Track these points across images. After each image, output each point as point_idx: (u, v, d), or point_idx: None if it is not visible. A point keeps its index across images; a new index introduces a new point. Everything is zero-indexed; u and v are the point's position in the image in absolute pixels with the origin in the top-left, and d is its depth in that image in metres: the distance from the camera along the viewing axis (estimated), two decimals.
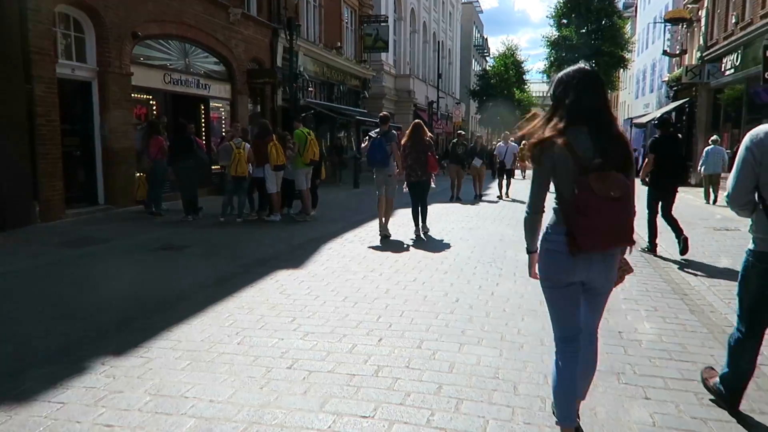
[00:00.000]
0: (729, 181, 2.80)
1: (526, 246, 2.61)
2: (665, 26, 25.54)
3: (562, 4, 35.46)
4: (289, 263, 6.74)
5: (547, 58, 36.91)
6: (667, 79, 25.27)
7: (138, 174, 10.73)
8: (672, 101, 24.25)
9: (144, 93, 11.93)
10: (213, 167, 11.89)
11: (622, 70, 36.43)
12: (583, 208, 2.29)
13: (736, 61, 17.08)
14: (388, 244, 8.16)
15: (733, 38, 17.44)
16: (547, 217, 2.52)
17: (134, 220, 10.03)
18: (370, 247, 7.83)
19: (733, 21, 17.47)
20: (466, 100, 51.62)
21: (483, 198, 14.90)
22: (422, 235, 8.68)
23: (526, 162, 13.82)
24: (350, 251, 7.53)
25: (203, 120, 13.99)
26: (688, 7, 22.58)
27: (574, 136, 2.33)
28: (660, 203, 7.36)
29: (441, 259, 7.01)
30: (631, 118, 36.19)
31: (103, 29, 10.36)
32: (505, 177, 15.57)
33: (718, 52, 18.83)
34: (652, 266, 6.71)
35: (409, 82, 34.79)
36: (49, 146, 9.21)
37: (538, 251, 2.53)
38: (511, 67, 47.92)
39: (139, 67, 11.47)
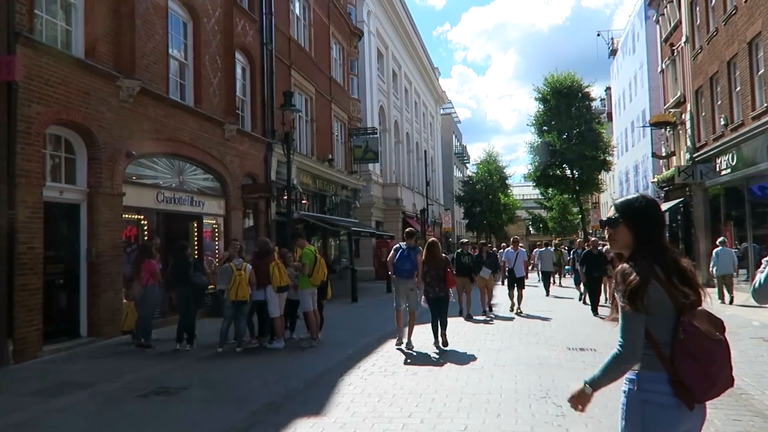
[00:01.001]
0: (759, 275, 2.63)
1: (593, 380, 2.27)
2: (650, 129, 26.22)
3: (542, 112, 36.73)
4: (308, 408, 5.71)
5: (531, 163, 37.65)
6: (656, 180, 25.52)
7: (125, 302, 9.75)
8: (664, 201, 24.29)
9: (135, 213, 11.24)
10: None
11: (605, 172, 37.11)
12: (697, 353, 2.06)
13: (732, 161, 17.16)
14: (415, 372, 7.17)
15: (724, 140, 17.64)
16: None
17: (121, 354, 8.92)
18: (395, 380, 6.82)
19: (722, 123, 17.77)
20: (451, 206, 52.17)
21: (493, 311, 13.59)
22: (442, 346, 9.02)
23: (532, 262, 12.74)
24: (375, 387, 6.51)
25: (196, 238, 13.25)
26: (670, 111, 23.24)
27: (661, 273, 2.20)
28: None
29: (485, 396, 6.02)
30: None
31: (95, 149, 9.84)
32: (516, 287, 13.95)
33: (710, 153, 19.02)
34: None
35: (397, 190, 34.99)
36: (30, 276, 8.29)
37: (625, 403, 2.22)
38: (494, 172, 48.91)
39: (130, 186, 10.87)
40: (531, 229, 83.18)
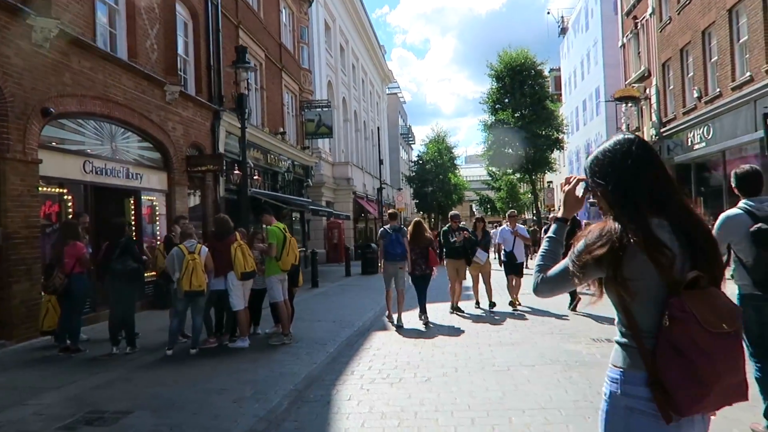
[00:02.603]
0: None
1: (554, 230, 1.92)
2: (605, 106, 25.62)
3: (495, 90, 35.85)
4: None
5: (484, 142, 36.78)
6: None
7: (44, 295, 7.76)
8: None
9: (56, 185, 9.17)
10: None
11: (557, 151, 36.71)
12: (685, 349, 1.55)
13: (707, 134, 16.57)
14: (427, 378, 5.70)
15: (698, 113, 17.04)
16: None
17: (40, 362, 7.00)
18: (407, 390, 5.34)
19: (695, 95, 17.15)
20: (398, 186, 50.87)
21: (495, 308, 10.36)
22: (423, 322, 9.12)
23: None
24: (385, 402, 5.01)
25: (133, 217, 11.23)
26: (633, 86, 22.65)
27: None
28: None
29: (539, 412, 4.62)
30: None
31: (0, 103, 7.74)
32: (514, 275, 10.76)
33: (680, 127, 18.46)
34: None
35: (348, 169, 33.48)
36: None
37: (606, 409, 1.73)
38: (444, 152, 47.97)
39: (49, 152, 8.80)
40: (474, 209, 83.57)
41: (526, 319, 9.33)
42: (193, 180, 13.59)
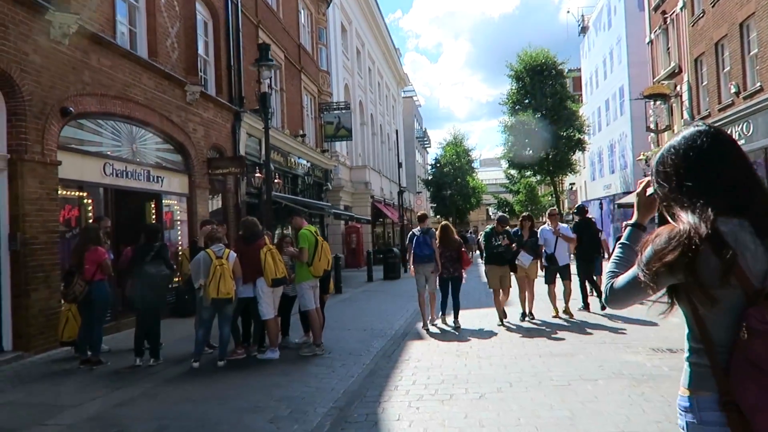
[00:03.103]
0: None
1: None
2: (629, 106, 24.87)
3: (515, 90, 35.24)
4: None
5: (504, 143, 36.13)
6: (643, 156, 24.28)
7: (64, 303, 7.35)
8: None
9: (76, 188, 8.79)
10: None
11: (580, 152, 35.95)
12: (764, 363, 1.36)
13: (746, 131, 15.83)
14: (481, 394, 5.16)
15: (735, 109, 16.31)
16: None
17: (59, 376, 6.58)
18: (462, 409, 4.81)
19: (733, 90, 16.42)
20: (415, 190, 50.34)
21: (531, 318, 9.38)
22: (453, 326, 9.07)
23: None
24: (440, 424, 4.48)
25: (154, 220, 10.84)
26: (663, 83, 21.92)
27: (732, 235, 1.46)
28: (585, 269, 10.15)
29: None
30: (609, 199, 35.33)
31: (17, 102, 7.37)
32: (556, 279, 9.72)
33: (717, 124, 17.65)
34: None
35: (366, 173, 33.06)
36: None
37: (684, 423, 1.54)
38: (462, 155, 47.36)
39: (69, 154, 8.43)
40: (490, 213, 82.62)
41: (570, 326, 8.73)
42: (213, 183, 13.20)
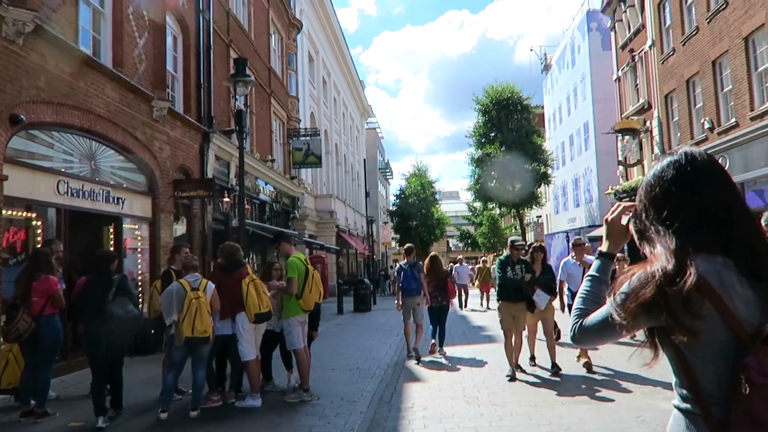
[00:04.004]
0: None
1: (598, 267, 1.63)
2: (594, 142, 25.04)
3: (481, 124, 35.40)
4: None
5: (471, 176, 36.08)
6: (612, 191, 24.37)
7: (4, 343, 6.19)
8: None
9: (23, 208, 7.68)
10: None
11: (545, 185, 36.16)
12: (763, 418, 1.24)
13: (724, 165, 15.85)
14: None
15: (710, 144, 16.38)
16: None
17: None
18: None
19: (707, 126, 16.54)
20: (377, 221, 49.60)
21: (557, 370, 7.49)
22: (440, 354, 9.32)
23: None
24: None
25: (112, 247, 9.72)
26: (633, 119, 22.14)
27: (715, 275, 1.34)
28: None
29: None
30: (574, 232, 35.38)
31: None
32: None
33: None
34: None
35: (331, 202, 32.32)
36: None
37: None
38: (426, 186, 47.16)
39: (17, 168, 7.36)
40: (451, 245, 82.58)
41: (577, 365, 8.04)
42: (178, 207, 12.15)
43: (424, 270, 9.46)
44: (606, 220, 1.68)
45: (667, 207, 1.45)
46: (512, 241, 7.88)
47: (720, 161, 1.61)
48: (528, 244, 8.69)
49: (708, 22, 16.29)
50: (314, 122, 32.38)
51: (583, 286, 1.63)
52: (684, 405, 1.41)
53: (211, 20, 14.08)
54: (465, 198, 62.68)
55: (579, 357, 7.89)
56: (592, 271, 1.64)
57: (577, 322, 1.57)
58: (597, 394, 6.23)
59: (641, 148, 22.12)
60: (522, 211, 36.53)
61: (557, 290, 8.00)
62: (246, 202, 16.52)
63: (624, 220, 1.64)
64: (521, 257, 7.73)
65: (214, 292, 6.01)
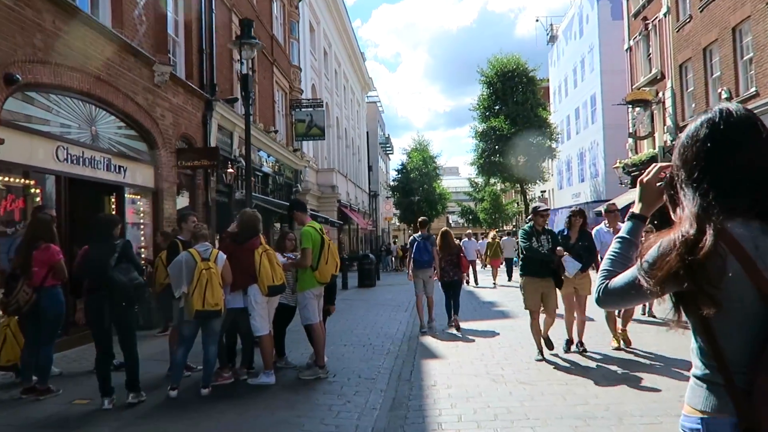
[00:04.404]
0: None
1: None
2: (601, 114, 24.51)
3: (485, 96, 34.73)
4: None
5: (474, 150, 35.53)
6: (620, 164, 23.92)
7: (2, 316, 5.84)
8: (631, 187, 22.69)
9: (19, 175, 7.26)
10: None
11: (550, 160, 35.66)
12: None
13: None
14: None
15: None
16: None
17: None
18: None
19: (725, 96, 16.02)
20: (373, 197, 49.15)
21: (582, 349, 6.97)
22: (456, 330, 9.11)
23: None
24: None
25: None
26: (645, 90, 21.58)
27: (750, 240, 1.29)
28: None
29: None
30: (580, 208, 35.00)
31: None
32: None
33: None
34: None
35: (333, 176, 31.88)
36: None
37: None
38: (428, 161, 46.60)
39: (14, 132, 6.93)
40: (451, 221, 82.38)
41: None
42: (180, 178, 11.72)
43: (437, 245, 9.50)
44: (641, 181, 1.61)
45: (698, 168, 1.37)
46: (535, 208, 7.01)
47: None
48: (577, 209, 7.35)
49: None
50: (315, 94, 31.72)
51: (612, 247, 1.58)
52: (704, 373, 1.37)
53: None
54: (465, 174, 62.09)
55: (616, 337, 7.09)
56: (622, 233, 1.59)
57: (603, 284, 1.53)
58: (632, 373, 5.90)
59: (653, 120, 21.62)
60: (526, 187, 36.10)
61: (597, 259, 6.92)
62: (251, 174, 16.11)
63: (660, 182, 1.56)
64: (546, 226, 6.97)
65: (225, 263, 5.64)
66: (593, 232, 7.35)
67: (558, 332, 7.18)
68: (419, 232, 9.66)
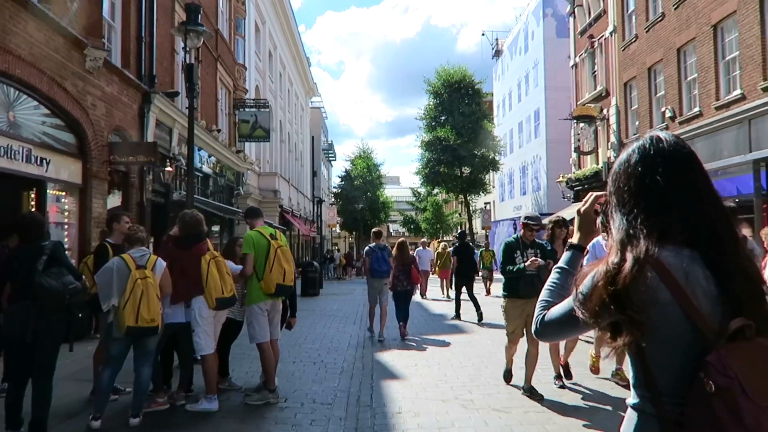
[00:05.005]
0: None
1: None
2: (545, 129, 24.93)
3: (432, 107, 34.81)
4: None
5: (419, 159, 35.49)
6: (563, 179, 24.30)
7: None
8: (574, 201, 23.06)
9: None
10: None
11: (493, 172, 36.00)
12: (728, 425, 1.15)
13: None
14: None
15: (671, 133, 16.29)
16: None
17: None
18: None
19: (668, 115, 16.42)
20: (321, 203, 48.21)
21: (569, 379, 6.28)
22: (404, 334, 9.52)
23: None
24: None
25: None
26: (590, 106, 21.98)
27: (681, 269, 1.28)
28: (464, 287, 11.97)
29: None
30: (515, 221, 35.47)
31: None
32: None
33: None
34: None
35: (275, 180, 30.95)
36: None
37: None
38: (373, 168, 46.25)
39: None
40: (391, 230, 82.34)
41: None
42: (112, 175, 10.67)
43: (394, 255, 9.99)
44: (578, 211, 1.62)
45: (629, 193, 1.39)
46: (526, 218, 6.01)
47: None
48: (558, 219, 6.77)
49: (675, 9, 16.08)
50: (259, 96, 30.72)
51: (551, 278, 1.59)
52: (638, 403, 1.36)
53: None
54: (407, 183, 62.03)
55: (615, 373, 6.15)
56: (561, 263, 1.60)
57: (541, 315, 1.53)
58: (611, 397, 5.54)
59: (597, 136, 22.04)
60: (469, 197, 36.28)
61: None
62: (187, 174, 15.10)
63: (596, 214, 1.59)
64: (536, 239, 6.00)
65: (165, 272, 4.87)
66: (590, 245, 6.58)
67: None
68: (374, 243, 10.10)
